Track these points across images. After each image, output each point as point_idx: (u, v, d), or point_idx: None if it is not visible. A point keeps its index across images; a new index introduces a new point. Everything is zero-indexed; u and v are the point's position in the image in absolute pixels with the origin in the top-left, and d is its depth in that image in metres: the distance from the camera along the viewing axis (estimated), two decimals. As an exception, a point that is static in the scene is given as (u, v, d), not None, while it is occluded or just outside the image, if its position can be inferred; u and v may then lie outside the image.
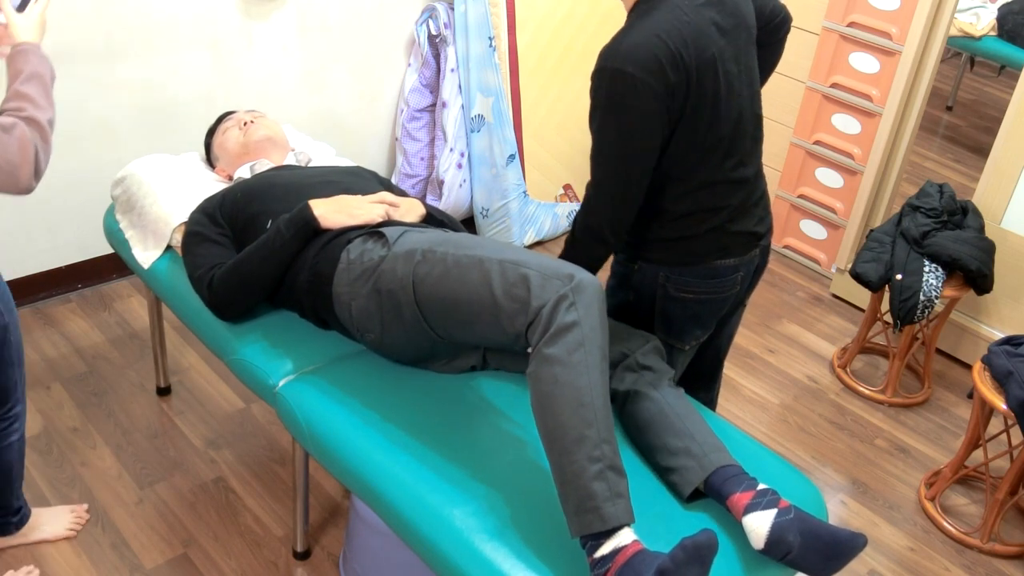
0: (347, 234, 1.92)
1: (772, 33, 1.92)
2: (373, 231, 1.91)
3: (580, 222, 1.80)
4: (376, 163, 3.66)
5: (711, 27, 1.67)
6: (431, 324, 1.73)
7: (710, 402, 2.24)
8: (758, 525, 1.53)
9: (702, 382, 2.18)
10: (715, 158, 1.76)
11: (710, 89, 1.68)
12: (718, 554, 1.56)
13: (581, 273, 1.57)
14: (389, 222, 1.99)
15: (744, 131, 1.79)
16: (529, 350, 1.58)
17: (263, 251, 1.94)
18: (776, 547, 1.51)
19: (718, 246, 1.84)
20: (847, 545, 1.50)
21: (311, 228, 1.94)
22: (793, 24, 3.52)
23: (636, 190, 1.73)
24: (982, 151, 4.67)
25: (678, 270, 1.85)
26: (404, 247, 1.77)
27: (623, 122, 1.66)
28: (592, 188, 1.75)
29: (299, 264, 1.94)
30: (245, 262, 1.95)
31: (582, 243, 1.80)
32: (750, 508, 1.55)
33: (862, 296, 3.46)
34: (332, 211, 1.96)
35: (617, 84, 1.63)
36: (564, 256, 1.85)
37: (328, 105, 3.40)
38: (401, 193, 2.30)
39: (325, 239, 1.93)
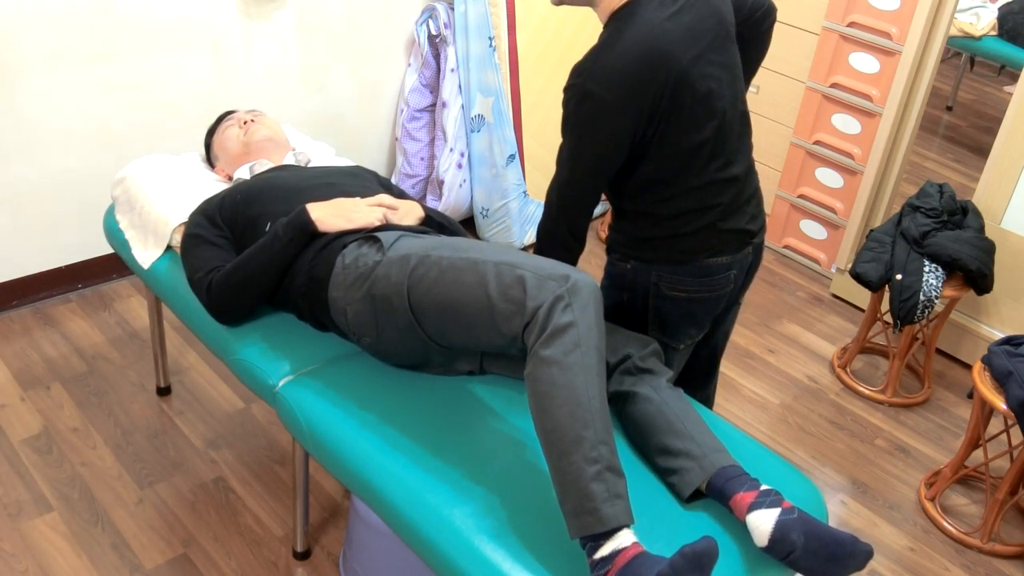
0: (343, 238, 1.92)
1: (755, 26, 1.91)
2: (369, 236, 1.90)
3: (541, 226, 1.84)
4: (376, 163, 3.66)
5: (686, 33, 1.67)
6: (426, 329, 1.73)
7: (706, 400, 2.24)
8: (762, 522, 1.52)
9: (698, 380, 2.18)
10: (700, 161, 1.76)
11: (687, 97, 1.69)
12: (718, 555, 1.56)
13: (577, 274, 1.57)
14: (386, 226, 1.99)
15: (729, 131, 1.79)
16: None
17: (261, 255, 1.94)
18: (780, 545, 1.51)
19: (710, 244, 1.84)
20: (848, 549, 1.49)
21: (308, 232, 1.94)
22: (793, 24, 3.54)
23: (590, 198, 1.78)
24: (982, 151, 4.67)
25: (670, 269, 1.86)
26: (399, 252, 1.77)
27: (588, 140, 1.70)
28: (554, 192, 1.79)
29: (296, 268, 1.94)
30: (243, 266, 1.95)
31: (549, 250, 1.84)
32: (754, 506, 1.54)
33: (862, 296, 3.46)
34: (330, 215, 1.96)
35: (585, 103, 1.66)
36: None
37: (328, 105, 3.40)
38: (400, 193, 2.30)
39: (321, 243, 1.93)
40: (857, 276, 2.88)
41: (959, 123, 5.08)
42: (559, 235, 1.82)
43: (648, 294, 1.90)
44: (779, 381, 3.06)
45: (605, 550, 1.43)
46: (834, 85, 3.42)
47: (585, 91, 1.65)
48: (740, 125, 1.83)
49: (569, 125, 1.71)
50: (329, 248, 1.91)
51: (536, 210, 3.63)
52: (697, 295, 1.89)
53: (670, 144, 1.72)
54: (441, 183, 3.47)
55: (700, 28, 1.70)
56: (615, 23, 1.68)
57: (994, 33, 4.69)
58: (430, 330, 1.72)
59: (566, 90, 1.68)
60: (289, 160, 2.36)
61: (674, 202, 1.80)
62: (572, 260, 1.85)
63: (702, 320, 1.94)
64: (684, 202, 1.80)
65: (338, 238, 1.93)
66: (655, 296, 1.89)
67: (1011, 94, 2.96)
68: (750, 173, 1.90)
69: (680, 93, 1.67)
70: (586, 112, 1.66)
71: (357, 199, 2.04)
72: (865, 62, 3.31)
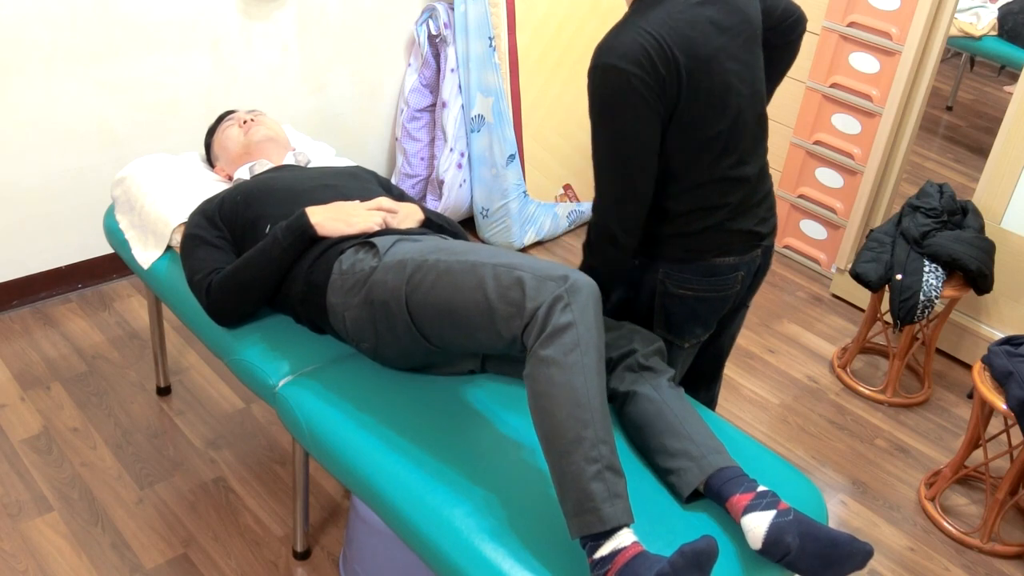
0: (340, 244, 1.92)
1: (785, 34, 1.91)
2: (365, 241, 1.90)
3: (592, 224, 1.80)
4: (376, 163, 3.66)
5: (708, 25, 1.67)
6: (425, 333, 1.72)
7: (710, 401, 2.24)
8: (756, 525, 1.52)
9: (702, 382, 2.18)
10: (711, 155, 1.76)
11: (704, 86, 1.68)
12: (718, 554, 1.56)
13: (575, 274, 1.57)
14: (385, 230, 1.98)
15: (743, 129, 1.79)
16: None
17: (260, 259, 1.94)
18: (774, 547, 1.51)
19: (717, 244, 1.84)
20: (846, 550, 1.49)
21: (308, 236, 1.94)
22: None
23: (640, 186, 1.72)
24: (982, 151, 4.67)
25: (677, 267, 1.85)
26: (395, 257, 1.77)
27: (619, 118, 1.66)
28: (597, 187, 1.76)
29: (294, 274, 1.94)
30: (243, 269, 1.94)
31: (596, 246, 1.80)
32: (749, 509, 1.55)
33: (862, 296, 3.46)
34: (329, 219, 1.95)
35: (610, 80, 1.63)
36: (583, 262, 1.86)
37: (328, 105, 3.40)
38: (401, 194, 2.30)
39: (319, 249, 1.93)
40: (857, 276, 2.88)
41: (959, 123, 5.08)
42: (612, 233, 1.76)
43: (655, 291, 1.90)
44: (779, 381, 3.06)
45: (605, 549, 1.43)
46: (834, 85, 3.42)
47: (607, 66, 1.62)
48: (756, 126, 1.82)
49: (597, 107, 1.67)
50: (326, 254, 1.91)
51: (536, 210, 3.63)
52: (703, 294, 1.89)
53: (684, 135, 1.72)
54: (441, 183, 3.47)
55: (724, 23, 1.70)
56: (638, 4, 1.69)
57: (994, 33, 4.69)
58: (429, 334, 1.72)
59: (590, 72, 1.66)
60: (289, 160, 2.36)
61: (684, 198, 1.79)
62: (621, 263, 1.79)
63: (708, 320, 1.94)
64: (694, 198, 1.79)
65: (335, 244, 1.93)
66: (661, 294, 1.89)
67: (1011, 94, 2.96)
68: (763, 176, 1.89)
69: (697, 81, 1.67)
70: (612, 89, 1.64)
71: (356, 203, 2.03)
72: (865, 62, 3.31)
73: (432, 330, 1.71)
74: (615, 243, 1.77)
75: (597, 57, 1.65)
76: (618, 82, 1.63)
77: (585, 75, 3.12)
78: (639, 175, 1.71)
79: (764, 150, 1.88)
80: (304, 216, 1.94)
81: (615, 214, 1.75)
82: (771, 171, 3.73)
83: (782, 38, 1.91)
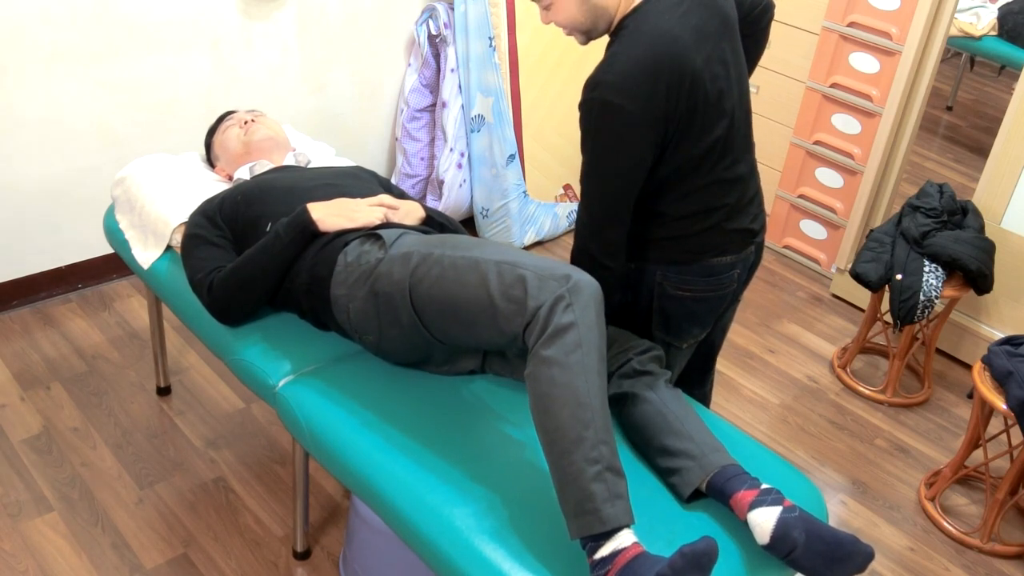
0: (344, 236, 1.92)
1: (755, 23, 1.91)
2: (370, 233, 1.91)
3: (575, 247, 1.80)
4: (376, 163, 3.66)
5: (694, 35, 1.66)
6: (428, 327, 1.73)
7: (703, 398, 2.24)
8: (764, 520, 1.52)
9: (695, 377, 2.18)
10: (710, 161, 1.76)
11: (700, 99, 1.68)
12: (718, 555, 1.56)
13: (578, 274, 1.57)
14: (387, 224, 1.99)
15: (737, 130, 1.79)
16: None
17: (262, 255, 1.94)
18: (781, 543, 1.50)
19: (715, 244, 1.84)
20: (849, 549, 1.49)
21: (309, 232, 1.94)
22: (793, 24, 3.54)
23: (623, 211, 1.73)
24: (982, 151, 4.67)
25: (675, 269, 1.86)
26: (401, 249, 1.77)
27: (611, 151, 1.66)
28: (581, 210, 1.75)
29: (297, 267, 1.95)
30: (244, 266, 1.95)
31: (582, 268, 1.79)
32: (755, 504, 1.54)
33: (862, 296, 3.46)
34: (331, 214, 1.96)
35: (604, 115, 1.63)
36: None
37: (328, 105, 3.40)
38: (401, 194, 2.30)
39: (323, 242, 1.93)
40: (857, 276, 2.88)
41: (959, 123, 5.08)
42: (594, 258, 1.76)
43: (653, 294, 1.90)
44: (779, 381, 3.06)
45: (605, 550, 1.43)
46: (834, 85, 3.42)
47: (603, 103, 1.61)
48: (745, 125, 1.84)
49: (591, 140, 1.67)
50: (331, 246, 1.91)
51: (536, 210, 3.63)
52: (702, 295, 1.89)
53: (685, 147, 1.72)
54: (441, 183, 3.47)
55: (707, 28, 1.69)
56: (622, 31, 1.67)
57: (994, 33, 4.69)
58: (432, 327, 1.73)
59: (582, 105, 1.65)
60: (289, 160, 2.37)
61: (683, 203, 1.79)
62: (609, 284, 1.78)
63: (705, 319, 1.95)
64: (693, 203, 1.80)
65: (339, 236, 1.93)
66: (660, 296, 1.89)
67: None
68: (753, 173, 1.90)
69: (695, 96, 1.67)
70: (608, 125, 1.63)
71: (358, 199, 2.04)
72: (865, 62, 3.31)
73: (435, 324, 1.71)
74: (600, 266, 1.77)
75: (590, 91, 1.63)
76: (612, 118, 1.62)
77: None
78: (623, 205, 1.72)
79: (752, 145, 1.89)
80: (305, 212, 1.95)
81: (598, 238, 1.74)
82: (771, 171, 3.74)
83: (752, 27, 1.91)
